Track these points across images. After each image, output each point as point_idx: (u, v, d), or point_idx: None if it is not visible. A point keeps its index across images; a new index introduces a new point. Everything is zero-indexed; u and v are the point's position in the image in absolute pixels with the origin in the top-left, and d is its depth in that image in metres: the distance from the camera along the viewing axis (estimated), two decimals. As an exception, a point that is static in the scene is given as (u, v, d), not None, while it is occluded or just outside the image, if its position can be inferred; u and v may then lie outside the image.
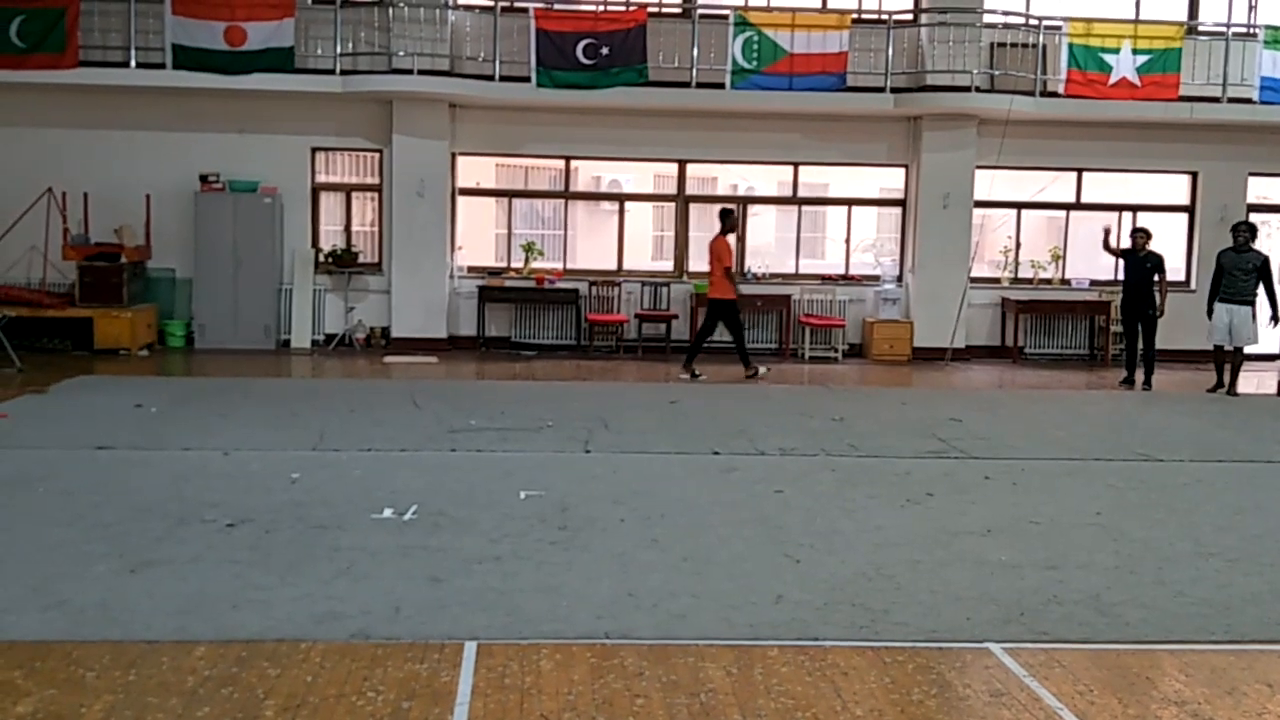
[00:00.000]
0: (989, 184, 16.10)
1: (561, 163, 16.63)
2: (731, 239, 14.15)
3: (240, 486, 7.87)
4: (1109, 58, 15.55)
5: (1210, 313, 13.76)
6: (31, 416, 10.39)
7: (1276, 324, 13.60)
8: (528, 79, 15.00)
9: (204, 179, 15.39)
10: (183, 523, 6.94)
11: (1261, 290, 13.53)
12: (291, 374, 14.00)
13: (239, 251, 15.42)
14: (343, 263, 15.83)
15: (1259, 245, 13.78)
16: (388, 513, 7.28)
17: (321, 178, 16.23)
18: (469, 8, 15.78)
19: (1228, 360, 13.66)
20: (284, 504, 7.43)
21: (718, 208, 14.57)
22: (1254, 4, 16.94)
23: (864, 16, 16.08)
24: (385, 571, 6.12)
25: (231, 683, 4.69)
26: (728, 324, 14.04)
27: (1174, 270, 17.11)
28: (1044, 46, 15.94)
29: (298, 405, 11.18)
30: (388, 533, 6.84)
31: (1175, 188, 17.36)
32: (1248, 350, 13.83)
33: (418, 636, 5.21)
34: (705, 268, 14.50)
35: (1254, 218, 16.95)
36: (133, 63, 14.84)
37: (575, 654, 5.07)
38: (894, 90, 15.70)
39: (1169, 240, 17.19)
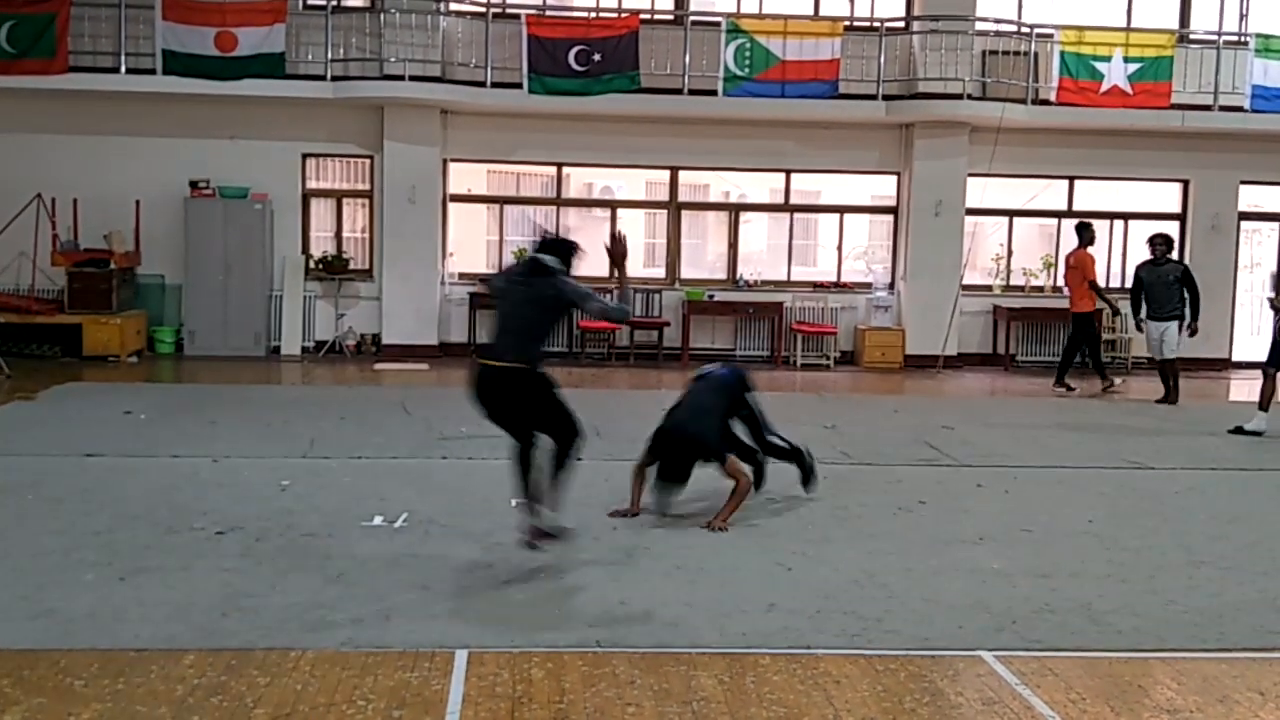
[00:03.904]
0: (981, 191, 16.12)
1: (553, 169, 16.62)
2: (1093, 250, 14.29)
3: (230, 494, 7.83)
4: (1101, 65, 15.58)
5: (1139, 325, 13.59)
6: (20, 423, 10.35)
7: (1194, 334, 13.34)
8: (519, 85, 14.99)
9: (194, 185, 15.35)
10: (172, 530, 6.91)
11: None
12: (282, 381, 13.96)
13: (229, 258, 15.37)
14: (333, 269, 15.80)
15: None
16: (378, 520, 7.25)
17: (312, 184, 16.21)
18: (461, 13, 15.77)
19: (1169, 370, 13.36)
20: (274, 512, 7.40)
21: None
22: (1245, 12, 16.99)
23: (856, 24, 16.10)
24: (376, 579, 6.09)
25: (221, 691, 4.66)
26: (1085, 336, 14.34)
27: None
28: (1036, 54, 15.96)
29: (288, 412, 11.14)
30: (378, 540, 6.81)
31: (1167, 195, 17.40)
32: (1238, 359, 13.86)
33: (408, 645, 5.19)
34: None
35: (1245, 226, 17.06)
36: (123, 68, 14.83)
37: (567, 662, 5.05)
38: (886, 98, 15.74)
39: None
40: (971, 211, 16.43)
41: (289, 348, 15.66)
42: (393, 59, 15.10)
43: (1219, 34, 16.50)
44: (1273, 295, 13.23)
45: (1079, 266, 14.28)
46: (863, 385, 14.69)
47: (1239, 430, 11.27)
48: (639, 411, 11.74)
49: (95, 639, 5.19)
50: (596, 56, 15.00)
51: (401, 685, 4.76)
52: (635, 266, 16.87)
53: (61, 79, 14.59)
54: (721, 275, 16.95)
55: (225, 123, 15.55)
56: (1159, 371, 13.56)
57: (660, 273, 16.81)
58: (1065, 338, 15.02)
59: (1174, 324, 13.13)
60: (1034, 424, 11.73)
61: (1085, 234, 14.40)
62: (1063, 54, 15.61)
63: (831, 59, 15.27)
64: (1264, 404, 11.26)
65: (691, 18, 15.79)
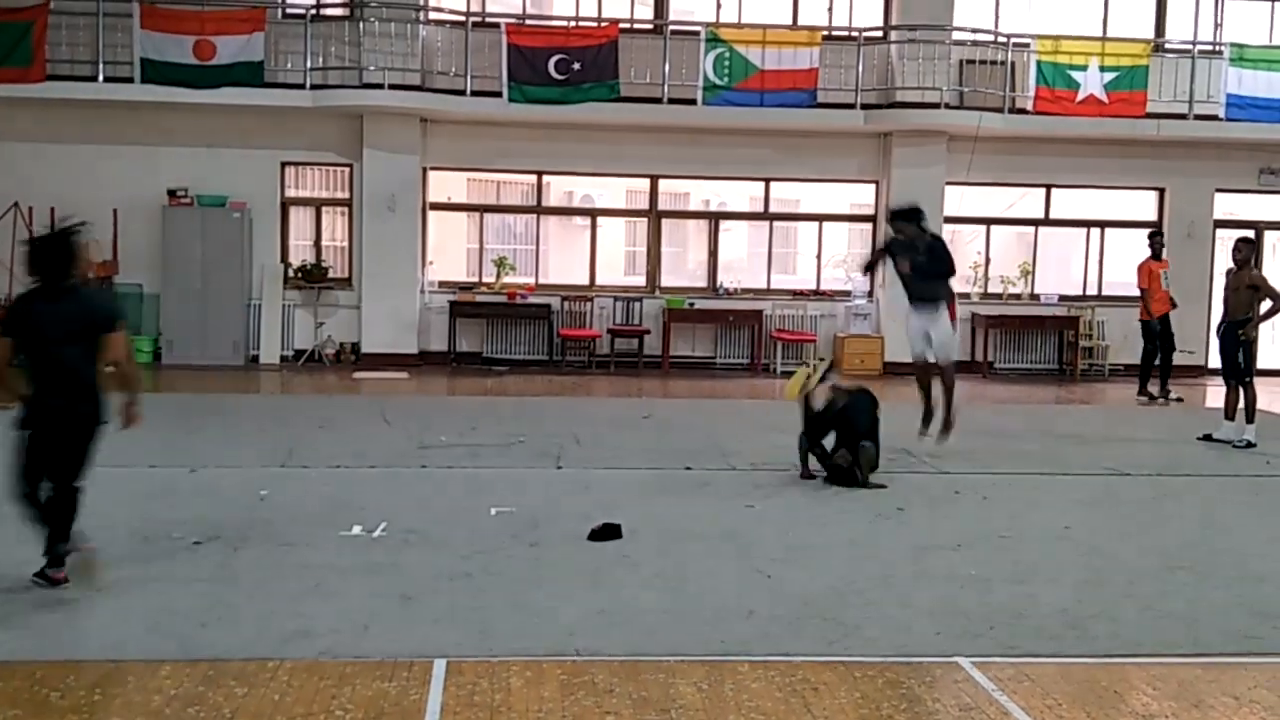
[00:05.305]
0: (959, 200, 16.19)
1: (533, 178, 16.63)
2: (1154, 262, 14.39)
3: (208, 504, 7.80)
4: (1077, 75, 15.68)
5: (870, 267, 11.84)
6: (-4, 433, 10.26)
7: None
8: (499, 94, 14.99)
9: (172, 194, 15.29)
10: (149, 540, 6.88)
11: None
12: (260, 390, 13.92)
13: (207, 267, 15.31)
14: (312, 278, 15.75)
15: None
16: (357, 530, 7.23)
17: (291, 192, 16.17)
18: (440, 22, 15.77)
19: (935, 378, 10.68)
20: (252, 521, 7.38)
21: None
22: (1220, 22, 17.12)
23: (834, 33, 16.16)
24: (354, 589, 6.08)
25: (198, 702, 4.64)
26: (1155, 342, 14.36)
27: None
28: (1013, 63, 16.05)
29: (266, 421, 11.11)
30: (357, 550, 6.80)
31: (1143, 203, 17.50)
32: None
33: (387, 654, 5.18)
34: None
35: (1220, 233, 17.08)
36: (101, 77, 14.77)
37: (545, 671, 5.05)
38: (864, 107, 15.79)
39: (1138, 255, 17.32)
40: (950, 220, 16.46)
41: (267, 357, 15.59)
42: (372, 67, 15.09)
43: (1194, 43, 16.62)
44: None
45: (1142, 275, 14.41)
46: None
47: (1208, 438, 11.37)
48: (619, 420, 11.79)
49: (71, 650, 5.16)
50: (576, 65, 15.02)
51: (380, 695, 4.75)
52: (615, 275, 17.05)
53: (39, 87, 14.55)
54: (701, 283, 16.97)
55: (204, 131, 15.48)
56: (919, 381, 10.81)
57: (640, 281, 16.83)
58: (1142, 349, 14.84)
59: (942, 313, 10.35)
60: (1011, 431, 11.79)
61: (1155, 242, 14.49)
62: (1039, 63, 15.71)
63: (810, 68, 15.33)
64: (1229, 413, 11.36)
65: (671, 27, 15.84)
